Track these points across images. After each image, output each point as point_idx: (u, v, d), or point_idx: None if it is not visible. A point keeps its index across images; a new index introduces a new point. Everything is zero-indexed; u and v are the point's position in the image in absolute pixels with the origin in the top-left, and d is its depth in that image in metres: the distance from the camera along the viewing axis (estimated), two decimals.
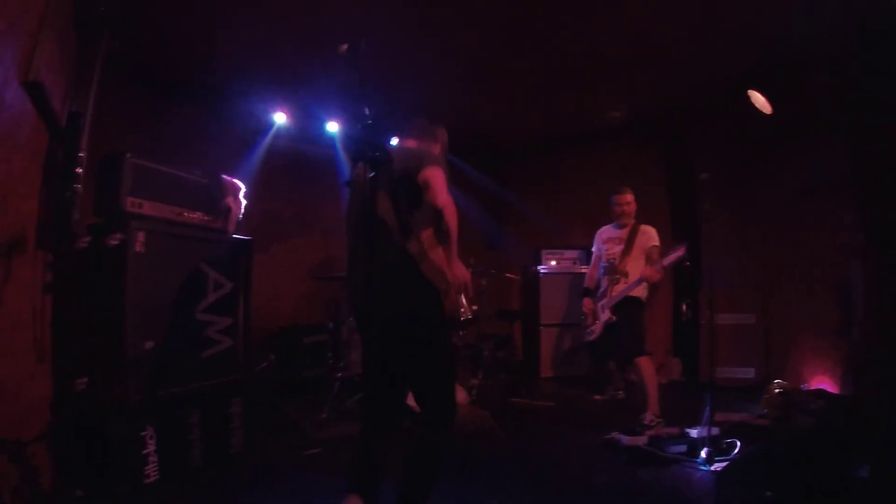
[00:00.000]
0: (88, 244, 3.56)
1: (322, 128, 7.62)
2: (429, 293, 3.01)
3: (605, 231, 6.12)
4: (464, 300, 6.01)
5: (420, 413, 3.07)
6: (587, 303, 6.01)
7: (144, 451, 3.51)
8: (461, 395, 5.90)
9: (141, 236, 3.61)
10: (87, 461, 3.30)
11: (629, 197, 5.87)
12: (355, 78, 2.40)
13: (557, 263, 8.41)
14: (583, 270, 7.50)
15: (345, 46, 2.42)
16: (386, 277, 2.97)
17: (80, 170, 3.45)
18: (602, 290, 5.83)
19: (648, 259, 5.56)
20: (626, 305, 5.54)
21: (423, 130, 3.54)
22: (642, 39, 5.57)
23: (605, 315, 5.68)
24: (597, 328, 5.81)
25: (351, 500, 2.93)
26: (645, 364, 5.29)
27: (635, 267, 5.61)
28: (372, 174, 2.24)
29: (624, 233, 5.83)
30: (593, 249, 6.28)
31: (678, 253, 5.07)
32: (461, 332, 6.47)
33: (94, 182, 3.72)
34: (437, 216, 3.00)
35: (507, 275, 8.03)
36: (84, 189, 3.50)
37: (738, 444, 4.08)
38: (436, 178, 2.98)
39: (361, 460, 3.03)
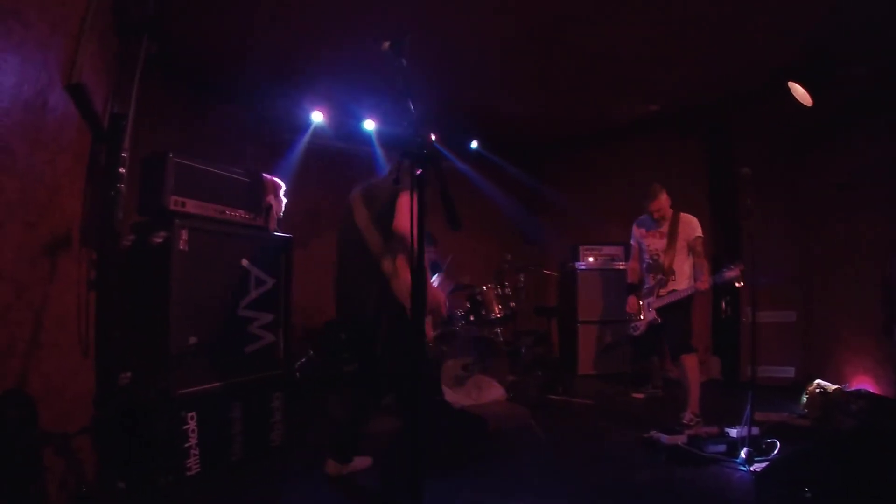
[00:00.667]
0: (133, 242, 3.64)
1: (359, 125, 7.70)
2: (394, 309, 3.32)
3: (644, 222, 5.90)
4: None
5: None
6: (632, 301, 5.87)
7: (186, 445, 3.58)
8: (498, 391, 5.91)
9: (184, 234, 3.67)
10: (129, 454, 3.37)
11: (662, 201, 5.56)
12: (399, 75, 2.41)
13: (595, 259, 8.34)
14: (620, 267, 7.45)
15: (387, 44, 2.42)
16: (360, 289, 3.45)
17: (123, 170, 3.53)
18: (648, 287, 5.70)
19: (692, 251, 5.44)
20: (675, 307, 5.42)
21: None
22: (681, 31, 5.50)
23: (650, 314, 5.57)
24: (641, 324, 5.72)
25: (329, 464, 3.73)
26: (690, 362, 5.20)
27: (681, 262, 5.47)
28: (419, 171, 2.24)
29: (664, 225, 5.62)
30: (632, 242, 6.10)
31: (733, 273, 4.91)
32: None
33: (138, 181, 3.80)
34: None
35: (545, 271, 8.00)
36: (127, 188, 3.58)
37: (778, 444, 4.01)
38: (404, 204, 3.24)
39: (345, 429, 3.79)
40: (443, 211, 2.25)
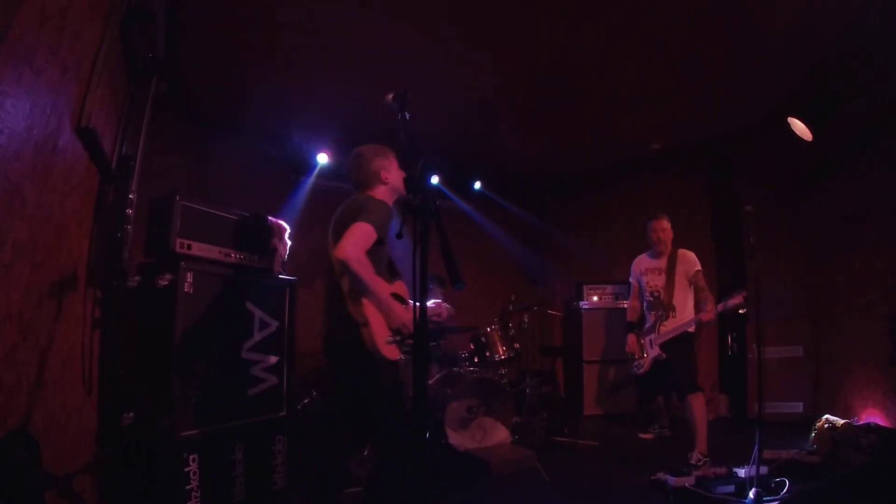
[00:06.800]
0: (139, 283, 3.66)
1: None
2: (349, 327, 3.14)
3: (642, 261, 5.97)
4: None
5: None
6: (631, 340, 5.87)
7: (188, 486, 3.55)
8: (503, 433, 5.86)
9: (189, 277, 3.70)
10: (130, 494, 3.35)
11: (665, 223, 5.72)
12: (402, 127, 2.40)
13: (599, 299, 8.33)
14: (624, 305, 7.44)
15: (390, 96, 2.43)
16: (325, 312, 3.29)
17: (130, 211, 3.56)
18: (649, 324, 5.68)
19: (694, 286, 5.47)
20: (677, 341, 5.40)
21: (368, 177, 3.69)
22: (681, 70, 5.62)
23: (653, 351, 5.54)
24: (645, 363, 5.67)
25: None
26: (697, 401, 5.14)
27: (682, 298, 5.49)
28: (422, 228, 2.17)
29: (662, 262, 5.67)
30: (631, 280, 6.15)
31: (735, 300, 4.95)
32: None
33: (146, 222, 3.85)
34: (373, 256, 3.10)
35: (549, 311, 7.99)
36: (134, 227, 3.60)
37: (787, 483, 3.97)
38: (352, 231, 3.04)
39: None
40: (445, 269, 2.20)
